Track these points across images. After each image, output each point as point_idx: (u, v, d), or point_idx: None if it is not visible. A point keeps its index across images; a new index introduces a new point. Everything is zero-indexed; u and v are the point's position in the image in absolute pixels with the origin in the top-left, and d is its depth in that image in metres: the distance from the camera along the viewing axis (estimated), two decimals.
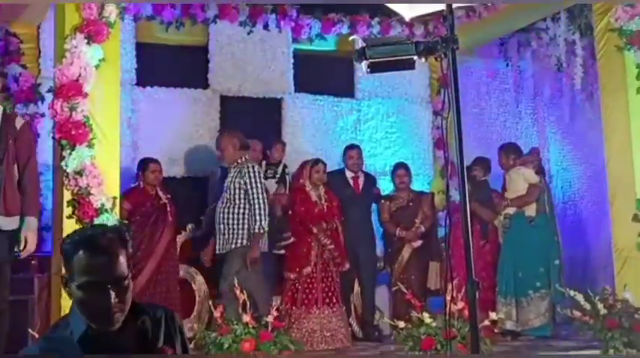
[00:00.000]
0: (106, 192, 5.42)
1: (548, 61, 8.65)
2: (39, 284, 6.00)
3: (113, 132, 5.63)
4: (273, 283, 6.86)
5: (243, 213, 6.25)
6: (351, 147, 7.52)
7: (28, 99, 6.85)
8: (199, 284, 6.95)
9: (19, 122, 4.94)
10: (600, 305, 6.02)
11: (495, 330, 6.06)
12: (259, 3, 7.77)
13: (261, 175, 6.35)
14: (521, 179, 7.10)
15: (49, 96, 6.21)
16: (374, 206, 7.56)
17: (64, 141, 5.36)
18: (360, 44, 2.76)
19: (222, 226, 6.32)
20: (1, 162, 4.73)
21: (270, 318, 5.32)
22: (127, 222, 6.06)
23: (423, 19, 8.16)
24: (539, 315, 6.90)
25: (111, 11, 5.59)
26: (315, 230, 6.73)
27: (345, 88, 8.47)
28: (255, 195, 6.20)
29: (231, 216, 6.28)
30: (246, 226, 6.25)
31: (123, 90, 6.31)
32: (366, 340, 7.04)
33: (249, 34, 7.91)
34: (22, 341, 5.23)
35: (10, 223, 4.77)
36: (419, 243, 7.35)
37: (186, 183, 7.63)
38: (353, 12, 8.13)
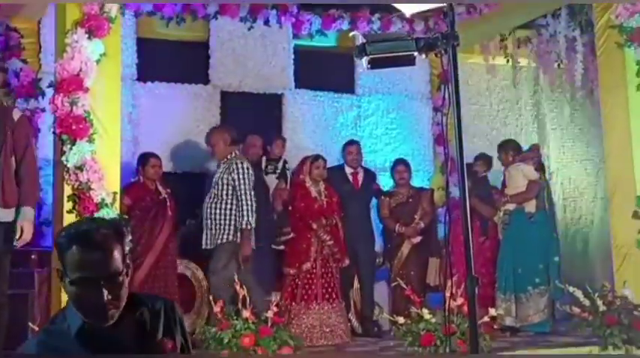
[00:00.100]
0: (107, 187, 5.42)
1: (548, 57, 8.66)
2: (39, 279, 6.00)
3: (114, 127, 5.62)
4: (273, 279, 6.87)
5: (231, 209, 6.25)
6: (350, 143, 7.52)
7: (29, 94, 6.85)
8: (199, 279, 6.95)
9: (16, 114, 4.94)
10: (599, 302, 6.05)
11: (495, 326, 6.08)
12: (260, 2, 7.77)
13: (250, 171, 6.31)
14: (520, 175, 7.10)
15: (49, 91, 6.21)
16: (374, 202, 7.57)
17: (64, 136, 5.36)
18: (360, 40, 2.76)
19: (209, 221, 6.33)
20: None
21: (269, 314, 5.34)
22: (126, 216, 6.06)
23: (424, 16, 8.15)
24: (539, 311, 6.91)
25: (111, 6, 5.59)
26: (314, 226, 6.74)
27: (345, 84, 8.47)
28: (243, 191, 6.20)
29: (218, 211, 6.28)
30: (232, 222, 6.25)
31: (124, 86, 6.31)
32: (365, 336, 7.04)
33: (249, 29, 7.91)
34: (22, 336, 5.25)
35: (7, 215, 4.77)
36: (418, 239, 7.35)
37: (186, 178, 7.64)
38: (353, 8, 8.13)
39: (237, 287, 5.37)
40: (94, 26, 5.47)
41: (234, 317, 5.23)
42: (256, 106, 8.02)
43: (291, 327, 6.13)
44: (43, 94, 6.78)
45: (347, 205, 7.08)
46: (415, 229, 7.36)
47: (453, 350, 5.23)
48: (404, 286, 6.08)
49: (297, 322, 6.54)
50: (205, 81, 7.85)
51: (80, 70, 5.42)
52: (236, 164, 6.26)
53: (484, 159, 7.68)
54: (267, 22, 7.93)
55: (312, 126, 8.19)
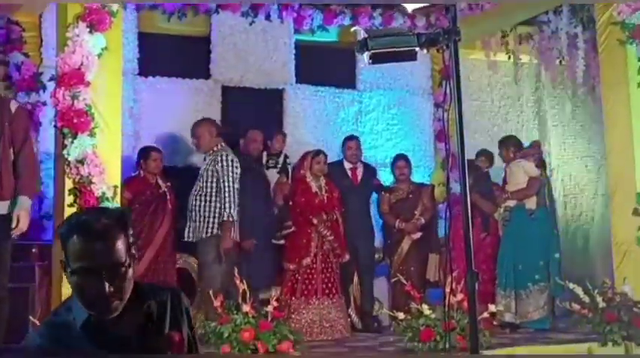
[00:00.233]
0: (108, 180, 5.41)
1: (550, 54, 8.65)
2: (40, 272, 6.01)
3: (115, 121, 5.62)
4: (273, 273, 6.88)
5: (215, 202, 6.22)
6: (349, 138, 7.53)
7: (30, 87, 6.85)
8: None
9: (13, 105, 4.93)
10: (599, 299, 6.05)
11: (494, 323, 6.09)
12: (261, 1, 7.77)
13: (235, 164, 6.26)
14: (521, 172, 7.10)
15: (50, 85, 6.21)
16: (374, 197, 7.57)
17: (65, 130, 5.36)
18: (362, 35, 2.76)
19: (193, 213, 6.31)
20: None
21: (269, 308, 5.34)
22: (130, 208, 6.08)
23: (425, 12, 8.14)
24: (538, 308, 6.91)
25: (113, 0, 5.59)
26: (315, 221, 6.74)
27: (346, 80, 8.47)
28: (226, 183, 6.15)
29: (202, 203, 6.25)
30: (217, 215, 6.22)
31: (125, 80, 6.31)
32: (365, 331, 7.05)
33: (251, 24, 7.91)
34: (22, 329, 5.25)
35: (4, 207, 4.77)
36: (418, 235, 7.36)
37: (186, 172, 7.64)
38: (355, 3, 8.12)
39: (238, 282, 5.38)
40: (95, 20, 5.46)
41: (234, 312, 5.24)
42: (257, 101, 8.02)
43: (291, 322, 6.12)
44: (45, 88, 6.78)
45: (346, 200, 7.07)
46: (415, 225, 7.36)
47: (452, 346, 5.24)
48: (404, 282, 6.08)
49: (297, 317, 6.54)
50: (206, 76, 7.85)
51: (81, 64, 5.42)
52: (221, 156, 6.22)
53: (486, 155, 7.69)
54: (268, 17, 7.93)
55: (313, 121, 8.19)
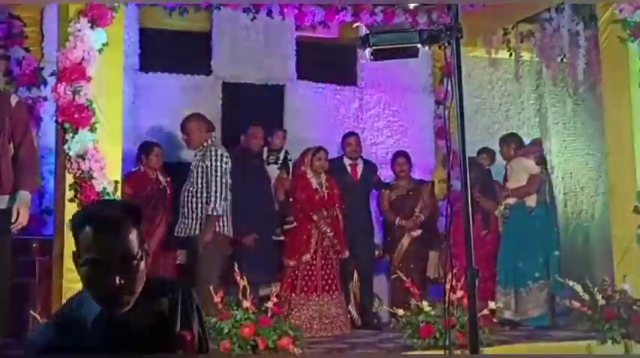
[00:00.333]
0: (108, 175, 5.41)
1: (551, 51, 8.63)
2: (40, 267, 6.02)
3: (116, 117, 5.61)
4: (273, 270, 6.88)
5: (206, 198, 6.11)
6: (350, 134, 7.53)
7: (31, 82, 6.86)
8: None
9: (13, 100, 4.93)
10: (599, 296, 6.06)
11: (494, 320, 6.09)
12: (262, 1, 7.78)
13: (225, 159, 6.14)
14: (522, 169, 7.10)
15: (51, 80, 6.21)
16: (374, 193, 7.57)
17: (66, 125, 5.35)
18: (364, 31, 2.75)
19: (185, 210, 6.22)
20: None
21: (269, 304, 5.35)
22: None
23: (427, 9, 8.14)
24: (538, 306, 6.92)
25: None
26: (315, 217, 6.75)
27: (347, 76, 8.47)
28: (213, 178, 6.05)
29: (194, 200, 6.15)
30: (206, 212, 6.11)
31: (126, 75, 6.30)
32: (365, 327, 7.06)
33: (252, 20, 7.91)
34: (23, 323, 5.27)
35: (3, 202, 4.76)
36: (418, 232, 7.36)
37: (186, 168, 7.62)
38: (356, 3, 8.11)
39: (238, 278, 5.38)
40: (96, 15, 5.46)
41: (235, 308, 5.24)
42: (258, 97, 8.02)
43: (291, 318, 6.14)
44: (46, 83, 6.79)
45: (346, 197, 7.07)
46: (415, 222, 7.37)
47: (452, 343, 5.24)
48: (404, 278, 6.09)
49: (297, 313, 6.56)
50: (207, 72, 7.85)
51: (82, 59, 5.41)
52: (210, 151, 6.13)
53: (488, 152, 7.69)
54: (269, 14, 7.92)
55: (314, 117, 8.18)
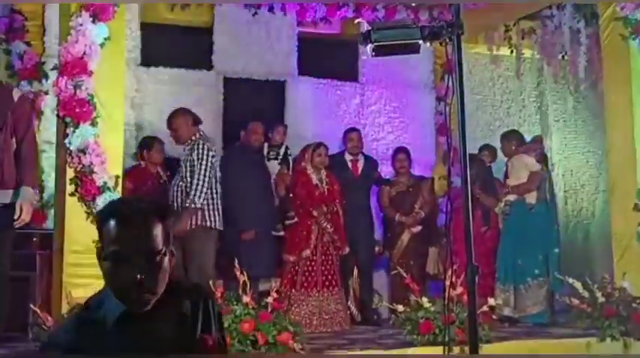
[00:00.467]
0: (109, 170, 5.41)
1: (552, 48, 8.64)
2: (40, 261, 6.02)
3: (117, 111, 5.61)
4: (273, 265, 6.88)
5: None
6: (351, 130, 7.54)
7: (32, 76, 6.85)
8: None
9: (16, 94, 4.90)
10: (598, 294, 6.06)
11: (493, 316, 6.10)
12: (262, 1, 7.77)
13: (211, 152, 6.07)
14: (522, 166, 7.11)
15: (53, 74, 6.20)
16: (374, 189, 7.57)
17: (67, 119, 5.35)
18: (365, 27, 2.75)
19: (175, 205, 6.14)
20: None
21: (269, 299, 5.35)
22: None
23: (429, 5, 8.13)
24: (537, 303, 6.92)
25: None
26: (315, 213, 6.75)
27: (348, 72, 8.47)
28: (197, 170, 5.97)
29: (182, 195, 6.08)
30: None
31: (127, 70, 6.31)
32: (364, 323, 7.06)
33: (254, 15, 7.90)
34: (23, 317, 5.27)
35: (5, 196, 4.76)
36: (418, 228, 7.37)
37: None
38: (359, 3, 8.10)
39: (238, 273, 5.38)
40: (98, 9, 5.45)
41: (234, 303, 5.24)
42: (259, 93, 8.02)
43: (291, 314, 6.15)
44: (47, 77, 6.78)
45: (346, 192, 7.07)
46: (415, 218, 7.37)
47: (451, 339, 5.25)
48: (404, 274, 6.09)
49: (297, 308, 6.57)
50: (209, 67, 7.84)
51: (84, 54, 5.41)
52: (197, 144, 6.06)
53: (489, 149, 7.70)
54: (271, 9, 7.92)
55: (315, 113, 8.18)
